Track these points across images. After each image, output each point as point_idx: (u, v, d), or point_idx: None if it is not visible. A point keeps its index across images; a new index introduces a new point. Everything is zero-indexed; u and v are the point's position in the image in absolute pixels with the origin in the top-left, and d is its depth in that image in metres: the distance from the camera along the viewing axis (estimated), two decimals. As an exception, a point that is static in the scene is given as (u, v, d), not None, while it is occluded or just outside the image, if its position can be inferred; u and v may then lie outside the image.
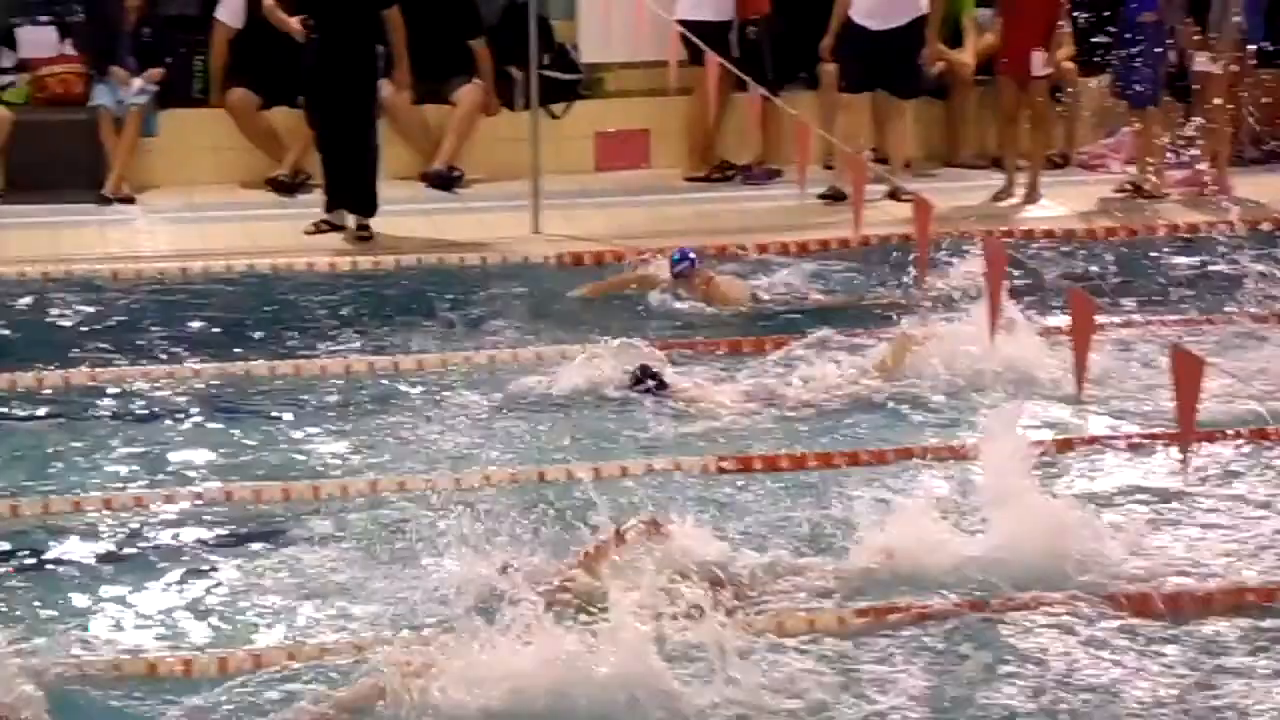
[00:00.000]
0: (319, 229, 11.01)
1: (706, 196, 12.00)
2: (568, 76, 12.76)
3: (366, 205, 10.96)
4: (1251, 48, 12.10)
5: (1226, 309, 9.30)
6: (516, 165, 11.65)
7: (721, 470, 7.30)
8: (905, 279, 9.55)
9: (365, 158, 10.92)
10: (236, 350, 8.90)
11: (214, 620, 6.07)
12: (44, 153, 11.79)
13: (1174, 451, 7.10)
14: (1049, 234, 11.04)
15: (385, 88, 11.55)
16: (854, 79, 11.81)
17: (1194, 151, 11.57)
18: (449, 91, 12.39)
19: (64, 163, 11.82)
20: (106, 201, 11.66)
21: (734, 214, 11.48)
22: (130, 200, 11.76)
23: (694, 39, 11.18)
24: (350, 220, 11.02)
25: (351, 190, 10.96)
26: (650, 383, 8.12)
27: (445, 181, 12.21)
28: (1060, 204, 11.77)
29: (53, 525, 6.82)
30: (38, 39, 12.40)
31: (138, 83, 11.96)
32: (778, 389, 8.18)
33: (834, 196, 11.41)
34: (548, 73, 12.08)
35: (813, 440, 7.68)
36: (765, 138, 12.30)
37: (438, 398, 8.18)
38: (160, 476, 7.32)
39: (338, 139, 10.92)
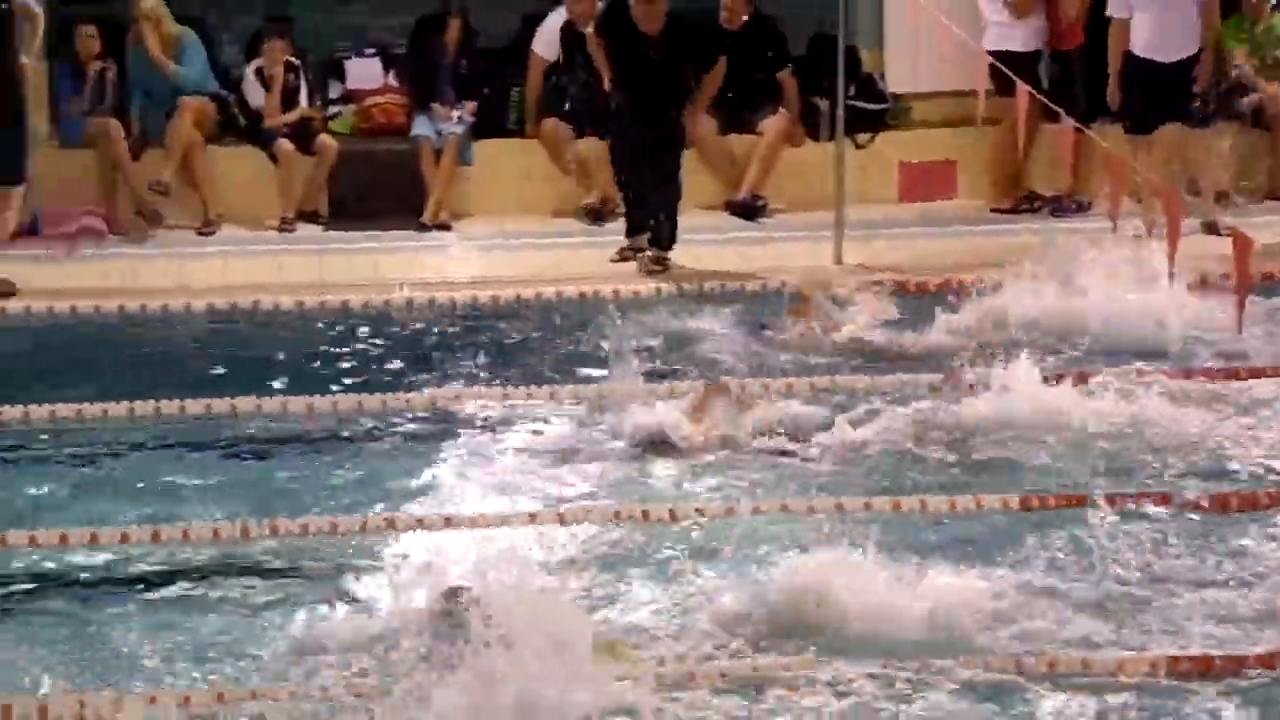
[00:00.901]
0: (623, 257, 11.23)
1: (1012, 228, 11.86)
2: (874, 106, 12.77)
3: (668, 238, 11.11)
4: None
5: None
6: (820, 195, 11.70)
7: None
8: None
9: (669, 194, 11.08)
10: (545, 373, 9.12)
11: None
12: (367, 181, 12.30)
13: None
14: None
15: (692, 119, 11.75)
16: (1140, 117, 11.55)
17: None
18: (755, 122, 12.51)
19: (386, 191, 12.30)
20: (424, 229, 12.08)
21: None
22: (447, 227, 12.17)
23: (1004, 69, 11.09)
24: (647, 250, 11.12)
25: (653, 224, 11.14)
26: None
27: (749, 211, 12.33)
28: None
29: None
30: (364, 71, 12.95)
31: (456, 114, 12.38)
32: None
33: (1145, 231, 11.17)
34: (854, 103, 12.11)
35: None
36: (1075, 170, 12.12)
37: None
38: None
39: (641, 175, 11.09)
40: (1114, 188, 10.00)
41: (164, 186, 11.88)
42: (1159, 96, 11.50)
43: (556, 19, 12.44)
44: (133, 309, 10.16)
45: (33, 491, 7.53)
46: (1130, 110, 11.67)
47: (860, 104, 12.46)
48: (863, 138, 12.59)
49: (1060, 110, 10.44)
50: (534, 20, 12.77)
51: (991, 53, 11.61)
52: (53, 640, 6.16)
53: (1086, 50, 12.22)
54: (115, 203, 11.98)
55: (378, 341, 9.74)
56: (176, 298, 10.32)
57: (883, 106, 12.84)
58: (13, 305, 10.16)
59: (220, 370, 9.22)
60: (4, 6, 10.26)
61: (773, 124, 12.47)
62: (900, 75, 12.84)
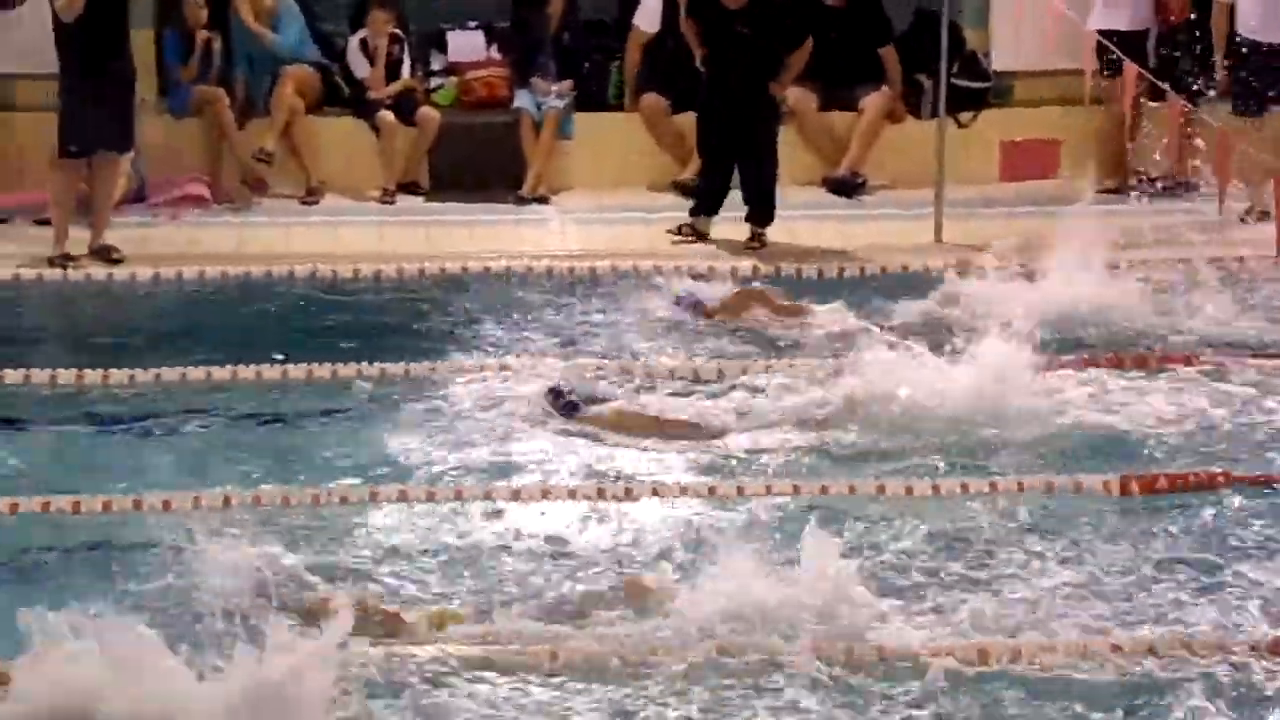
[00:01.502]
0: (680, 232, 11.15)
1: (1116, 209, 11.73)
2: (977, 85, 12.67)
3: (764, 215, 11.08)
4: None
5: None
6: (920, 173, 11.64)
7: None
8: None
9: (763, 171, 11.03)
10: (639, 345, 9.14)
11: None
12: (468, 153, 12.36)
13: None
14: None
15: (792, 94, 11.71)
16: (1248, 99, 11.39)
17: None
18: (857, 98, 12.46)
19: (485, 163, 12.36)
20: (524, 201, 12.13)
21: (1145, 229, 11.19)
22: (545, 200, 12.21)
23: (1111, 47, 10.97)
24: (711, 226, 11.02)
25: (751, 200, 11.09)
26: (560, 401, 7.93)
27: (848, 188, 12.28)
28: None
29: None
30: (466, 44, 12.99)
31: (556, 87, 12.41)
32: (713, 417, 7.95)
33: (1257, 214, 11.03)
34: (957, 81, 12.03)
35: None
36: (1182, 151, 11.96)
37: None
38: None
39: (726, 154, 11.02)
40: (1222, 169, 9.88)
41: (268, 155, 12.00)
42: (1267, 77, 11.35)
43: (656, -7, 12.45)
44: (236, 275, 10.27)
45: (145, 456, 7.59)
46: (1239, 91, 11.52)
47: (963, 82, 12.36)
48: (965, 116, 12.50)
49: (1168, 89, 10.32)
50: (637, -7, 12.78)
51: (1098, 31, 11.49)
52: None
53: (1193, 28, 12.09)
54: (220, 171, 12.11)
55: (475, 310, 9.78)
56: (280, 265, 10.42)
57: (985, 85, 12.74)
58: (119, 272, 10.30)
59: (322, 337, 9.30)
60: None
61: (874, 101, 12.41)
62: (1004, 53, 12.75)
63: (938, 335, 8.71)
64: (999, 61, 12.76)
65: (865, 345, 8.33)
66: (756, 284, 9.86)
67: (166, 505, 6.94)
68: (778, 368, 8.55)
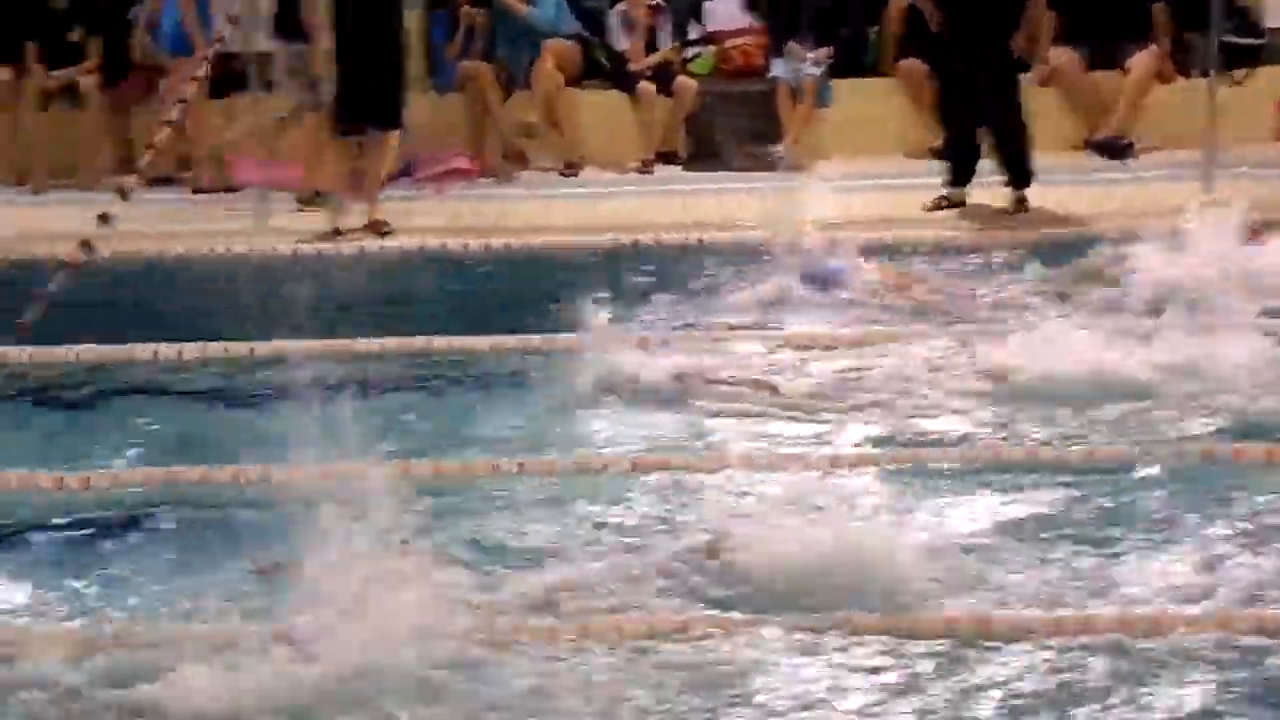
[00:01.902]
0: (936, 205, 10.98)
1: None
2: (1250, 41, 12.26)
3: (1019, 178, 10.85)
4: None
5: None
6: (1189, 134, 11.32)
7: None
8: None
9: (1011, 129, 10.73)
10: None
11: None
12: (725, 122, 12.41)
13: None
14: None
15: (1056, 54, 11.49)
16: None
17: None
18: (1123, 57, 12.16)
19: (743, 132, 12.39)
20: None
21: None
22: (802, 169, 12.18)
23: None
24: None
25: (1005, 162, 10.86)
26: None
27: (1114, 150, 12.01)
28: None
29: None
30: (724, 11, 13.05)
31: (814, 55, 12.37)
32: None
33: None
34: (1228, 38, 11.65)
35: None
36: None
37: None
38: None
39: (969, 115, 10.77)
40: None
41: (531, 129, 12.22)
42: None
43: (918, -44, 12.30)
44: (498, 247, 10.48)
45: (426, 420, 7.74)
46: None
47: (1235, 39, 11.98)
48: (1238, 74, 12.11)
49: None
50: (895, -42, 12.67)
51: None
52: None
53: None
54: (484, 145, 12.38)
55: (732, 278, 9.81)
56: (541, 236, 10.61)
57: (1259, 41, 12.33)
58: (389, 243, 10.60)
59: (583, 306, 9.42)
60: None
61: (1141, 59, 12.10)
62: (1278, 8, 12.31)
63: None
64: (1273, 18, 12.33)
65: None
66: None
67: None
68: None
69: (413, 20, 12.34)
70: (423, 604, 5.14)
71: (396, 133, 11.25)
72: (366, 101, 10.77)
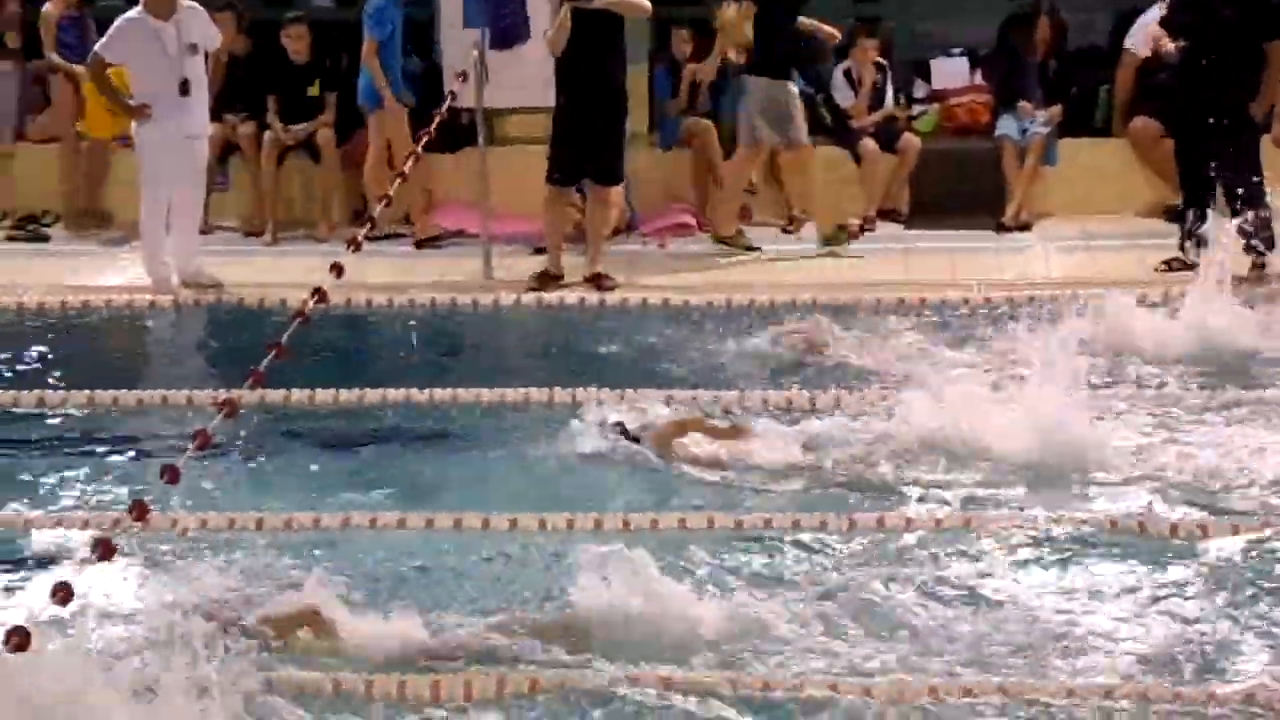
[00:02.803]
0: (1169, 267, 10.69)
1: None
2: None
3: (1264, 240, 10.48)
4: None
5: None
6: None
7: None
8: None
9: (1251, 189, 10.40)
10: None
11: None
12: (948, 180, 12.32)
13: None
14: None
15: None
16: None
17: None
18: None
19: (967, 190, 12.29)
20: (1004, 229, 12.00)
21: None
22: (1027, 227, 12.04)
23: None
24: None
25: (1244, 227, 10.43)
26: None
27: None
28: None
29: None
30: (950, 70, 12.99)
31: (1042, 114, 12.23)
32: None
33: None
34: None
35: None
36: None
37: None
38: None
39: (1207, 173, 10.52)
40: None
41: (751, 185, 12.25)
42: None
43: (1154, 14, 12.08)
44: (719, 301, 10.50)
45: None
46: None
47: None
48: None
49: None
50: (1128, 17, 12.47)
51: None
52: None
53: None
54: (708, 201, 12.45)
55: (944, 340, 9.72)
56: (764, 294, 10.61)
57: None
58: (611, 298, 10.68)
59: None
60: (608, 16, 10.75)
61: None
62: None
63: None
64: None
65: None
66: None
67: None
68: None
69: (636, 76, 12.49)
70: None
71: (618, 188, 11.37)
72: (586, 157, 10.90)
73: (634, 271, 11.20)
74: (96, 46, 11.09)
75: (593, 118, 10.79)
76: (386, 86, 11.92)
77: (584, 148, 10.86)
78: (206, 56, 11.18)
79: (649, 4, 10.76)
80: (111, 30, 10.96)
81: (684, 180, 12.57)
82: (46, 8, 12.57)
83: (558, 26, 10.75)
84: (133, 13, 10.89)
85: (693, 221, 12.34)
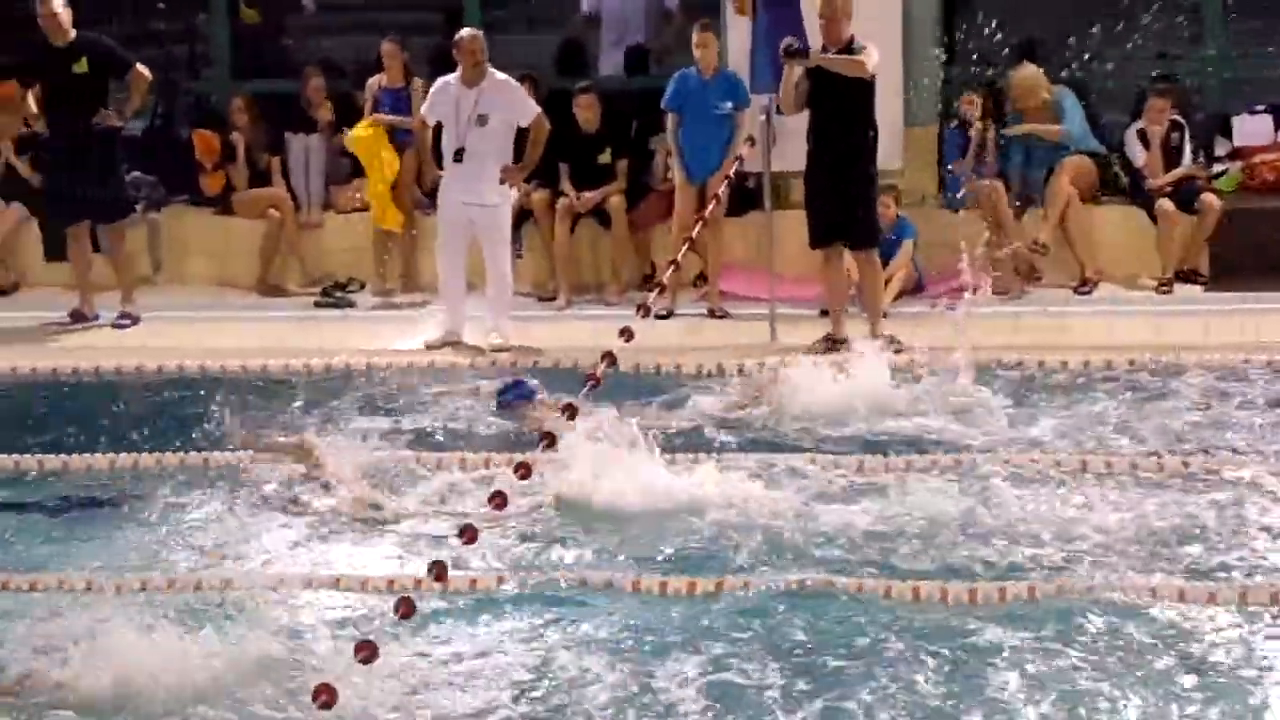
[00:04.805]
0: None
1: None
2: None
3: None
4: None
5: None
6: None
7: None
8: None
9: None
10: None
11: None
12: (1253, 240, 11.92)
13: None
14: None
15: None
16: None
17: None
18: None
19: (1273, 250, 11.87)
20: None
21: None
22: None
23: None
24: None
25: None
26: None
27: None
28: None
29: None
30: (1253, 128, 12.60)
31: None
32: None
33: None
34: None
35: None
36: None
37: None
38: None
39: None
40: None
41: (1043, 246, 12.05)
42: None
43: None
44: (1008, 361, 10.33)
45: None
46: None
47: None
48: None
49: None
50: None
51: None
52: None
53: None
54: (997, 261, 12.28)
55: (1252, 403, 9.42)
56: (1051, 354, 10.40)
57: None
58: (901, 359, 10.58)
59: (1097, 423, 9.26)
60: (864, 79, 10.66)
61: None
62: None
63: None
64: None
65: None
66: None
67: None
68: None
69: (925, 137, 12.43)
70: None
71: (875, 250, 11.13)
72: (835, 219, 10.79)
73: (922, 333, 11.10)
74: (423, 107, 11.56)
75: (833, 179, 10.70)
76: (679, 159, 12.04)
77: (831, 210, 10.77)
78: (523, 130, 11.26)
79: (869, 66, 10.56)
80: (432, 88, 11.39)
81: (973, 241, 12.40)
82: (371, 80, 13.03)
83: (783, 83, 10.73)
84: (451, 75, 11.28)
85: (979, 283, 12.14)
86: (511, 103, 11.21)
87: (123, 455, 8.92)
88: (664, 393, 9.82)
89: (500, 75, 11.23)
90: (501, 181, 11.19)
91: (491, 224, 11.27)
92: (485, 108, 11.11)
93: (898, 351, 10.66)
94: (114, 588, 7.12)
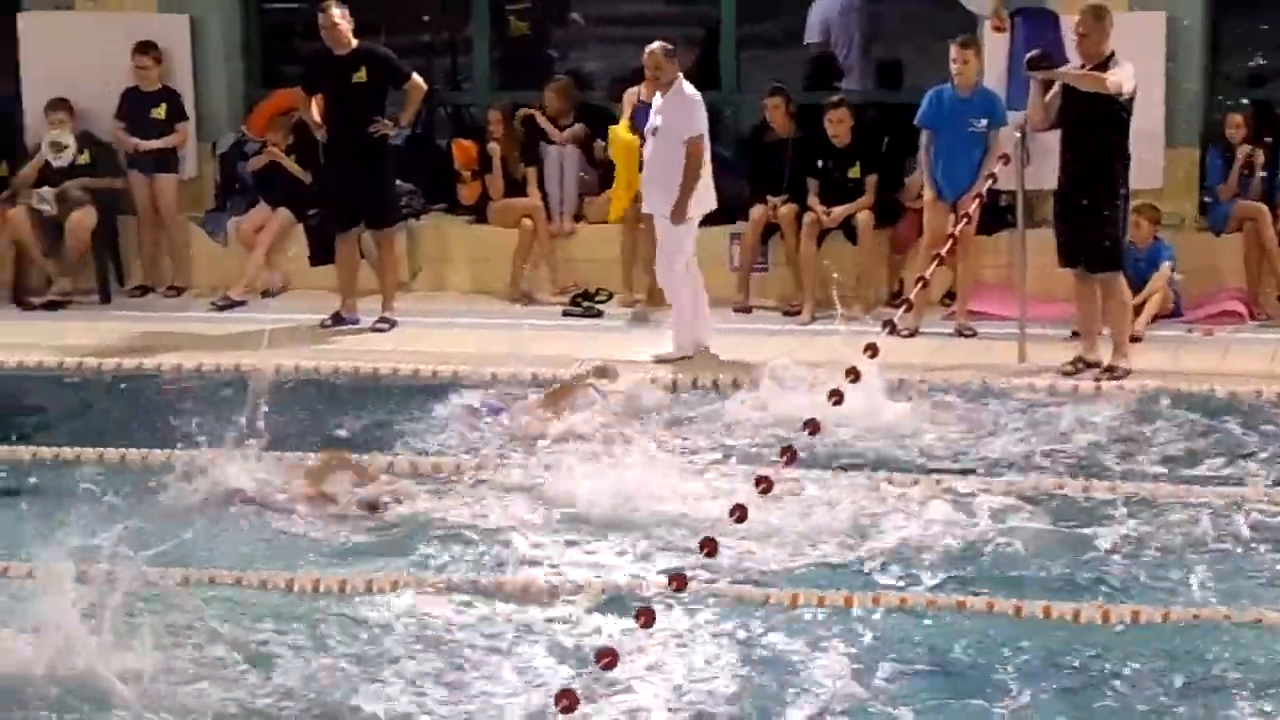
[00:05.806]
0: None
1: None
2: None
3: None
4: None
5: None
6: None
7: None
8: None
9: None
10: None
11: None
12: None
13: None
14: None
15: None
16: None
17: None
18: None
19: None
20: None
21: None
22: None
23: None
24: None
25: None
26: None
27: None
28: None
29: None
30: None
31: None
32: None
33: None
34: None
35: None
36: None
37: None
38: None
39: None
40: None
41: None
42: None
43: None
44: (1245, 393, 10.04)
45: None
46: None
47: None
48: None
49: None
50: None
51: None
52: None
53: None
54: (1260, 287, 11.94)
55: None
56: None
57: None
58: (1128, 383, 10.32)
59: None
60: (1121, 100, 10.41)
61: None
62: None
63: None
64: None
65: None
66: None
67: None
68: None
69: (1186, 157, 12.14)
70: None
71: (1118, 274, 10.83)
72: (1076, 238, 10.55)
73: (1176, 359, 10.84)
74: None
75: (1076, 198, 10.47)
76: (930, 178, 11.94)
77: (1071, 230, 10.57)
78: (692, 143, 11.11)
79: (1111, 82, 10.23)
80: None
81: (1236, 266, 12.07)
82: (629, 90, 13.12)
83: (1030, 97, 10.54)
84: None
85: (1243, 310, 11.83)
86: (678, 116, 11.15)
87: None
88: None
89: (686, 89, 11.24)
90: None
91: (663, 233, 11.32)
92: (661, 120, 11.19)
93: (1118, 378, 10.37)
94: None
